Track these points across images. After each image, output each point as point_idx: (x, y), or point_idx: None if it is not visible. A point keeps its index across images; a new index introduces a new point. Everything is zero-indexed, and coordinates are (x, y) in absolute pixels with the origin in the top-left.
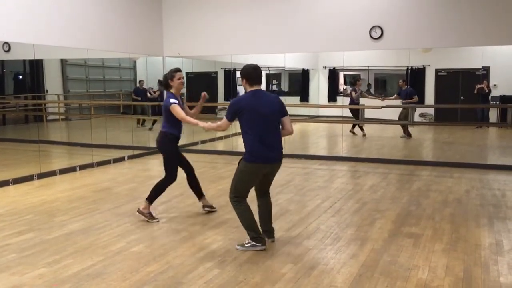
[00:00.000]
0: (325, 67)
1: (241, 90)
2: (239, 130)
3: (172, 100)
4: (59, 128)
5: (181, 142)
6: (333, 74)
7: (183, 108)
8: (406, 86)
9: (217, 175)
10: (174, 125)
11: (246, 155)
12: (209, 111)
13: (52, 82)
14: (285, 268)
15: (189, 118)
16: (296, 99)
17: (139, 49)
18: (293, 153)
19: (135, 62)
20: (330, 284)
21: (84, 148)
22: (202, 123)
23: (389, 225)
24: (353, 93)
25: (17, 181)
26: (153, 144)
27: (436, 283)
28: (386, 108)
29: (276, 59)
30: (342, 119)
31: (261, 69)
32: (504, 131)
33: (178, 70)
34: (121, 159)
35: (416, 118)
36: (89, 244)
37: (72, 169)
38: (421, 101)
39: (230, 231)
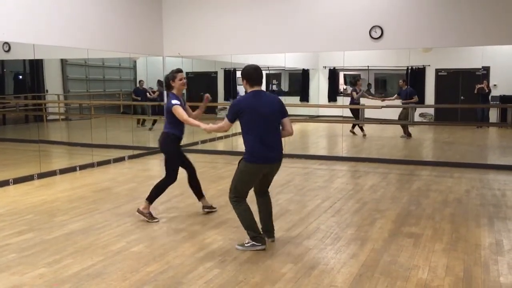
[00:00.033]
0: (325, 67)
1: (241, 90)
2: (239, 130)
3: (174, 102)
4: (59, 128)
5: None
6: (333, 74)
7: (185, 109)
8: (406, 86)
9: (217, 175)
10: (176, 126)
11: (246, 156)
12: (209, 111)
13: (52, 82)
14: (285, 268)
15: (191, 120)
16: (296, 99)
17: (139, 49)
18: (293, 153)
19: (135, 62)
20: (330, 284)
21: (84, 148)
22: (204, 125)
23: (389, 225)
24: (354, 93)
25: (17, 181)
26: (153, 144)
27: (436, 283)
28: (386, 108)
29: (276, 59)
30: (342, 119)
31: (261, 69)
32: (504, 131)
33: (179, 70)
34: (121, 159)
35: (416, 118)
36: (89, 244)
37: (72, 169)
38: (421, 101)
39: (230, 231)
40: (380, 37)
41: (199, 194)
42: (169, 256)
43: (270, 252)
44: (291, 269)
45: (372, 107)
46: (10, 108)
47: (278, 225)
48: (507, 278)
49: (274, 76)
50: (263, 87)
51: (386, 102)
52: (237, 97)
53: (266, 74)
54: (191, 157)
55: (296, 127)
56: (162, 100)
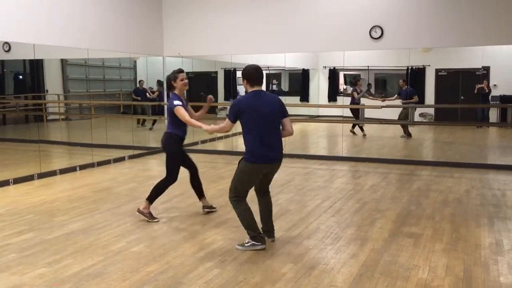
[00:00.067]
0: (325, 67)
1: (241, 90)
2: (239, 130)
3: (176, 102)
4: (59, 128)
5: None
6: (333, 74)
7: (187, 110)
8: (406, 86)
9: (217, 175)
10: (178, 126)
11: (246, 155)
12: (209, 111)
13: (52, 82)
14: (285, 268)
15: (193, 121)
16: (296, 99)
17: (139, 49)
18: (293, 153)
19: (135, 62)
20: (330, 284)
21: (84, 148)
22: (205, 126)
23: (389, 225)
24: (355, 93)
25: (17, 181)
26: (153, 144)
27: (436, 283)
28: (386, 108)
29: (276, 59)
30: (342, 119)
31: (261, 69)
32: (504, 131)
33: (181, 71)
34: (121, 159)
35: (416, 118)
36: (89, 244)
37: (72, 169)
38: (421, 101)
39: (230, 231)
40: (380, 37)
41: (200, 193)
42: (169, 256)
43: (270, 252)
44: (291, 269)
45: (372, 107)
46: (10, 108)
47: (278, 225)
48: (507, 278)
49: (274, 76)
50: (263, 87)
51: (386, 102)
52: (237, 97)
53: (266, 74)
54: (191, 157)
55: (296, 127)
56: (162, 100)
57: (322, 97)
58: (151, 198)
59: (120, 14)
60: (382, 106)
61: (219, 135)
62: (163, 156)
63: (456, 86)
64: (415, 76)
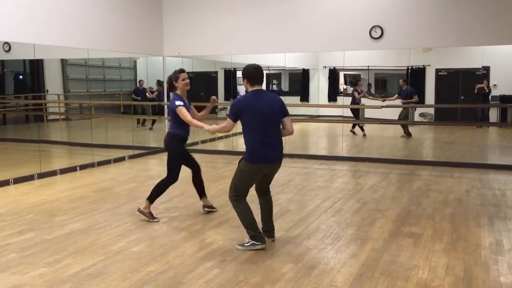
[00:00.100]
0: (325, 67)
1: (241, 90)
2: (239, 130)
3: (177, 103)
4: (60, 128)
5: None
6: (333, 74)
7: (189, 110)
8: (406, 86)
9: (217, 175)
10: (181, 126)
11: (246, 155)
12: (209, 112)
13: (53, 82)
14: (285, 268)
15: (194, 121)
16: (296, 99)
17: (139, 49)
18: (294, 153)
19: (135, 62)
20: (331, 283)
21: (84, 148)
22: (207, 126)
23: (390, 224)
24: (356, 93)
25: (17, 180)
26: (153, 144)
27: (437, 283)
28: (386, 108)
29: (276, 59)
30: (342, 119)
31: (262, 68)
32: (504, 130)
33: (182, 71)
34: (121, 159)
35: (416, 117)
36: (90, 244)
37: (72, 169)
38: (421, 101)
39: (231, 231)
40: (380, 37)
41: (201, 193)
42: (170, 256)
43: (270, 252)
44: (291, 269)
45: (372, 107)
46: (10, 108)
47: (278, 225)
48: (507, 278)
49: (274, 76)
50: (263, 87)
51: (387, 102)
52: (237, 97)
53: (266, 74)
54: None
55: (297, 127)
56: (161, 100)
57: (322, 97)
58: (152, 198)
59: (120, 14)
60: (382, 106)
61: (219, 134)
62: (163, 156)
63: (456, 86)
64: (415, 76)
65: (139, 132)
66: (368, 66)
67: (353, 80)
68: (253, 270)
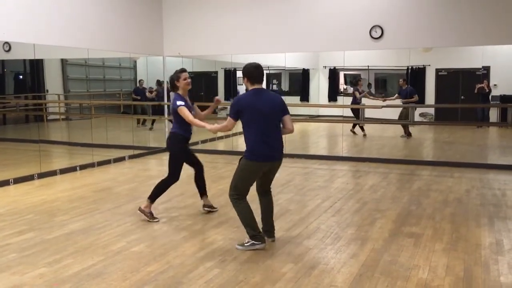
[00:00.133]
0: (325, 66)
1: (241, 90)
2: (239, 130)
3: (179, 103)
4: (60, 128)
5: None
6: (333, 74)
7: (191, 109)
8: (406, 85)
9: (218, 175)
10: (183, 126)
11: (247, 153)
12: None
13: (53, 82)
14: (285, 268)
15: (196, 121)
16: (296, 99)
17: (139, 49)
18: (294, 152)
19: (135, 61)
20: (331, 283)
21: (84, 148)
22: (209, 126)
23: (390, 224)
24: (357, 93)
25: (17, 180)
26: (153, 144)
27: (437, 283)
28: (387, 108)
29: (277, 58)
30: (342, 119)
31: (262, 67)
32: (504, 130)
33: (183, 70)
34: (121, 159)
35: (417, 117)
36: (90, 243)
37: (72, 169)
38: (421, 101)
39: (231, 231)
40: (380, 37)
41: (202, 192)
42: (170, 256)
43: (270, 252)
44: (292, 268)
45: (373, 107)
46: (10, 108)
47: (278, 225)
48: (508, 278)
49: (274, 76)
50: (263, 87)
51: (387, 102)
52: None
53: (266, 74)
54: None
55: (297, 127)
56: (160, 100)
57: (322, 97)
58: (153, 197)
59: (120, 14)
60: (383, 106)
61: (219, 134)
62: (163, 156)
63: (456, 86)
64: (415, 76)
65: (139, 132)
66: (368, 66)
67: (354, 80)
68: (253, 270)
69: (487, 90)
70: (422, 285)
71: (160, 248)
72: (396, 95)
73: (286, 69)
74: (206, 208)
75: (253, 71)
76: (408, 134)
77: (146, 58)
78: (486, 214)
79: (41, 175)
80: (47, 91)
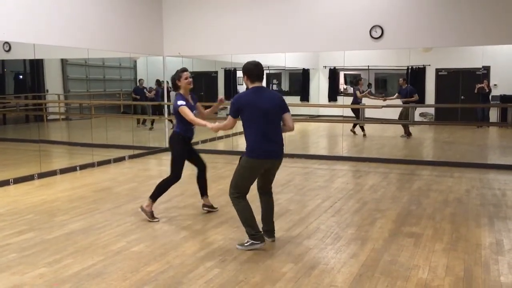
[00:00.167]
0: (325, 66)
1: (241, 89)
2: (240, 130)
3: (180, 102)
4: (60, 128)
5: None
6: (333, 74)
7: (193, 109)
8: (406, 85)
9: (218, 175)
10: (185, 126)
11: (247, 151)
12: None
13: (53, 82)
14: (285, 268)
15: (197, 120)
16: (296, 99)
17: (139, 49)
18: (294, 152)
19: (135, 61)
20: (331, 283)
21: (84, 147)
22: (210, 125)
23: (390, 224)
24: (358, 92)
25: (17, 180)
26: (153, 143)
27: (437, 283)
28: (387, 108)
29: (277, 58)
30: (342, 119)
31: (262, 65)
32: (504, 130)
33: (184, 70)
34: (121, 159)
35: (417, 117)
36: (90, 243)
37: (72, 169)
38: (421, 101)
39: (231, 231)
40: (380, 37)
41: (203, 191)
42: (170, 255)
43: (270, 252)
44: (292, 268)
45: (373, 107)
46: (10, 108)
47: (278, 225)
48: (508, 278)
49: (275, 76)
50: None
51: (387, 102)
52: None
53: (267, 74)
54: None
55: (297, 126)
56: (159, 99)
57: (322, 97)
58: (154, 197)
59: (120, 14)
60: (383, 106)
61: (219, 134)
62: (163, 156)
63: (456, 86)
64: (415, 76)
65: (139, 132)
66: (368, 66)
67: (354, 80)
68: (253, 270)
69: (487, 90)
70: (422, 285)
71: (160, 248)
72: (396, 94)
73: (286, 69)
74: (206, 208)
75: (253, 69)
76: (408, 134)
77: (146, 58)
78: (486, 214)
79: (41, 175)
80: (47, 91)
